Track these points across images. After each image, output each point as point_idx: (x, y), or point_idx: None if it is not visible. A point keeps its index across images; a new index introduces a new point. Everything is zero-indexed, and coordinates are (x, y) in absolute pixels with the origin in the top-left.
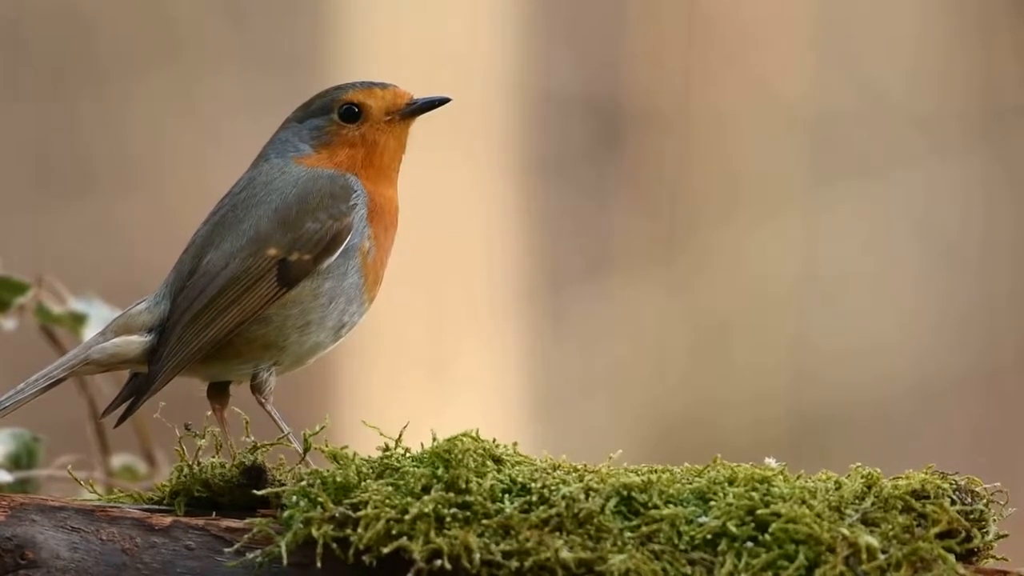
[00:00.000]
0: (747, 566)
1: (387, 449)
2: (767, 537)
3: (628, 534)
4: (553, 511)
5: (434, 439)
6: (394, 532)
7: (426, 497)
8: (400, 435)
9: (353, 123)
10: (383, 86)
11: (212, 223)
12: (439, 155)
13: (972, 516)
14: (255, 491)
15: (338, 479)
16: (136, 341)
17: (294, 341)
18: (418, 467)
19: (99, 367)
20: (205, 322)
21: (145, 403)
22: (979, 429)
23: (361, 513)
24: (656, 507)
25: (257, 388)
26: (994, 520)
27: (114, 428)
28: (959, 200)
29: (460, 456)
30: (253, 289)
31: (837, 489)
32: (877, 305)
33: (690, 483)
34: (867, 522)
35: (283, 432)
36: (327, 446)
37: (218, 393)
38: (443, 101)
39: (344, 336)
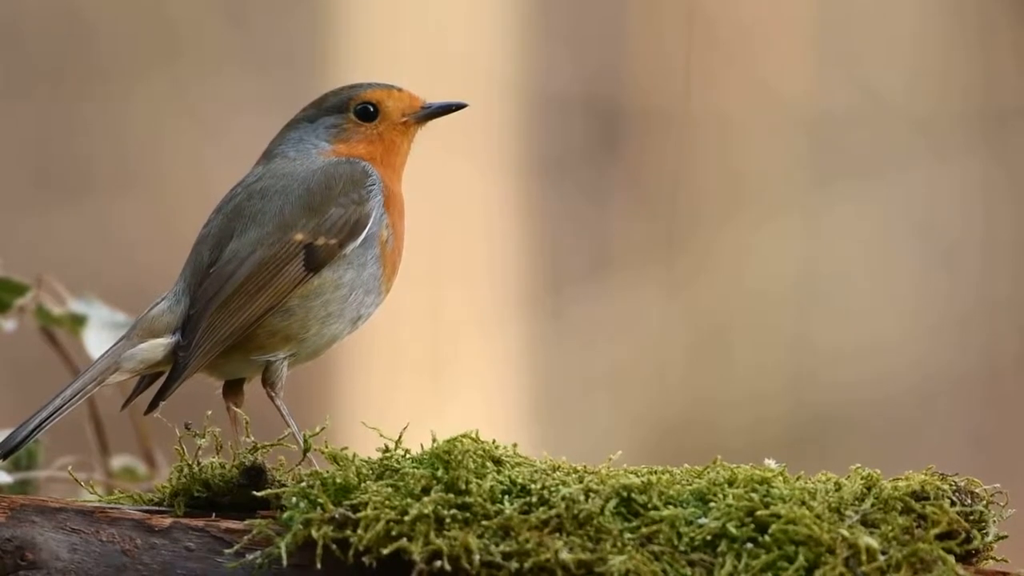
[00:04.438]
0: (747, 567)
1: (387, 450)
2: (767, 538)
3: (628, 535)
4: (553, 512)
5: (434, 440)
6: (394, 533)
7: (426, 498)
8: (400, 436)
9: (369, 122)
10: (399, 88)
11: (225, 213)
12: (440, 155)
13: (972, 517)
14: (255, 492)
15: (338, 480)
16: (163, 343)
17: (315, 333)
18: (418, 468)
19: (130, 374)
20: (235, 307)
21: (145, 401)
22: (979, 429)
23: (361, 514)
24: (656, 508)
25: (269, 380)
26: (994, 521)
27: (144, 415)
28: (959, 200)
29: (460, 457)
30: (281, 274)
31: (837, 490)
32: (877, 305)
33: (690, 484)
34: (867, 523)
35: (289, 427)
36: (327, 447)
37: (232, 392)
38: (459, 107)
39: (360, 327)
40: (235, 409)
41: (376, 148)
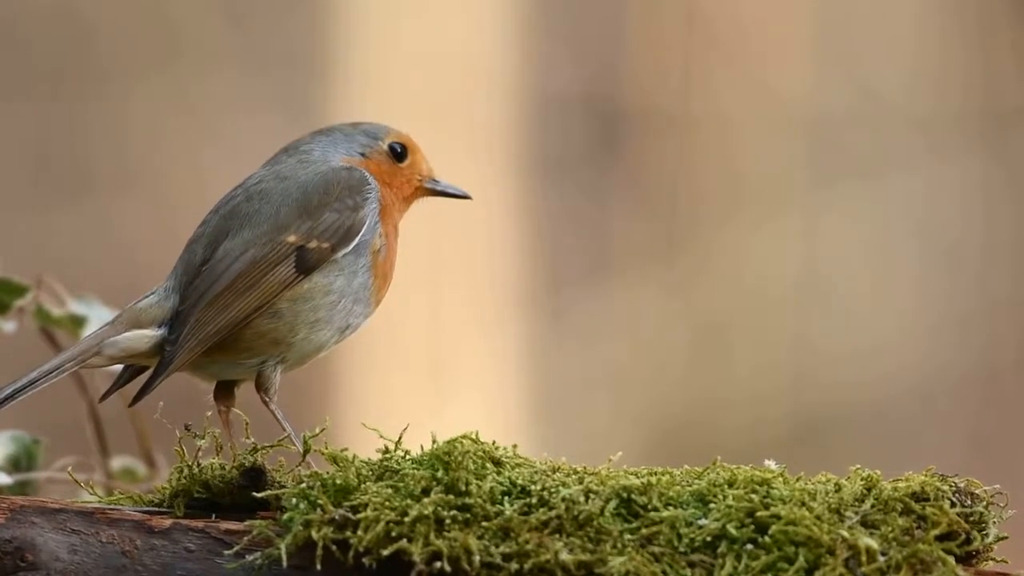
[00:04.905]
0: (747, 568)
1: (387, 451)
2: (767, 539)
3: (628, 536)
4: (553, 513)
5: (434, 441)
6: (394, 534)
7: (426, 499)
8: (400, 437)
9: (396, 161)
10: (425, 157)
11: (222, 213)
12: (439, 156)
13: (972, 518)
14: (255, 493)
15: (338, 481)
16: (148, 335)
17: (302, 338)
18: (418, 469)
19: (109, 360)
20: (223, 304)
21: (144, 401)
22: (978, 430)
23: (361, 515)
24: (656, 509)
25: (262, 386)
26: (994, 522)
27: (128, 407)
28: (958, 201)
29: (460, 458)
30: (271, 273)
31: (837, 491)
32: (877, 305)
33: (690, 485)
34: (867, 524)
35: (285, 431)
36: (327, 448)
37: (224, 395)
38: (464, 196)
39: (347, 337)
40: (234, 410)
41: (392, 180)
